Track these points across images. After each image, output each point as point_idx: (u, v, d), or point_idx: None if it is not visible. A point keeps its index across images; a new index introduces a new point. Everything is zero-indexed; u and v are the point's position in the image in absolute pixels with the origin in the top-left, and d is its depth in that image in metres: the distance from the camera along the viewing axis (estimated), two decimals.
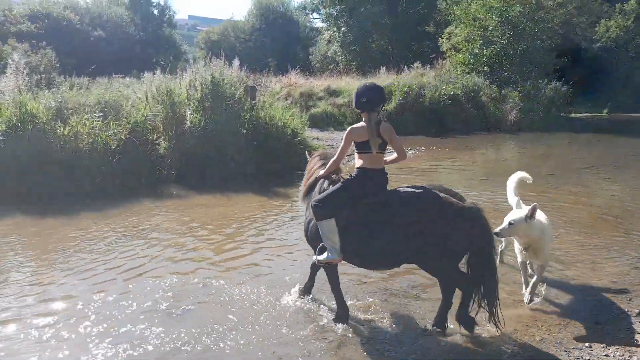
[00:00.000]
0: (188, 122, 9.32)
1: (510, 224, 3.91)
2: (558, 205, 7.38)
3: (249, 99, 10.36)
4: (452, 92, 18.38)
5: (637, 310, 4.03)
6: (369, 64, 32.68)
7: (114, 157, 8.51)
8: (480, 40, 21.06)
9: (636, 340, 3.59)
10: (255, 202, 7.84)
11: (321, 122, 18.26)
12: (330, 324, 3.84)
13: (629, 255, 5.29)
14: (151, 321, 3.91)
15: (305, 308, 4.12)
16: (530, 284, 4.16)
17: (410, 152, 12.90)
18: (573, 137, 17.75)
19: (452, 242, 3.56)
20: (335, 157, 4.18)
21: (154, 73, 10.75)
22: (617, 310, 4.06)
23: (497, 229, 3.89)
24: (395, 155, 4.13)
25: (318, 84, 21.37)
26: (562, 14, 22.59)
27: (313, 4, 42.72)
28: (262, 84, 14.94)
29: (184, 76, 10.70)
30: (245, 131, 9.49)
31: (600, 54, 28.85)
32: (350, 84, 21.58)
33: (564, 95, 21.32)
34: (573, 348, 3.48)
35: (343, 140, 4.02)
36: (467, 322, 3.67)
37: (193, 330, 3.75)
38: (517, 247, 4.28)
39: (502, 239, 4.62)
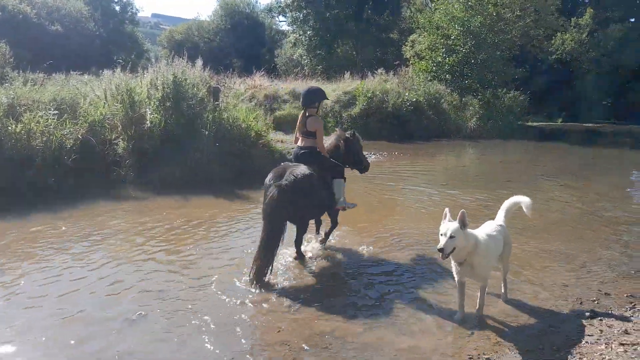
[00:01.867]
0: (148, 122, 9.08)
1: (451, 236, 3.65)
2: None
3: (212, 100, 10.21)
4: (414, 99, 18.70)
5: (588, 313, 4.16)
6: (334, 68, 32.88)
7: (69, 156, 8.22)
8: (442, 48, 21.52)
9: (587, 341, 3.70)
10: (216, 205, 7.72)
11: (286, 125, 18.18)
12: (290, 336, 3.81)
13: (580, 259, 5.47)
14: (105, 328, 3.77)
15: (262, 315, 4.06)
16: (477, 307, 4.09)
17: (372, 157, 13.04)
18: (529, 145, 18.36)
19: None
20: None
21: (114, 71, 10.45)
22: (570, 313, 4.18)
23: (440, 245, 3.66)
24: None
25: (283, 86, 21.32)
26: (520, 26, 23.38)
27: (279, 6, 42.65)
28: (226, 85, 14.77)
29: (145, 75, 10.47)
30: (207, 132, 9.32)
31: (556, 65, 30.00)
32: None
33: (522, 104, 22.06)
34: (527, 350, 3.56)
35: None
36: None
37: (147, 338, 3.64)
38: (453, 263, 3.97)
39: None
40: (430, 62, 21.90)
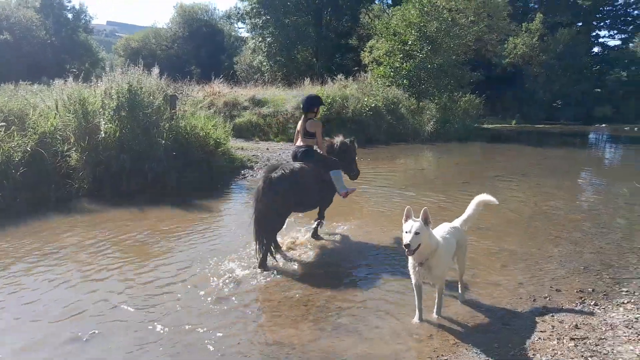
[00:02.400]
0: (102, 132, 8.82)
1: (416, 233, 3.73)
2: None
3: (169, 108, 10.04)
4: (373, 104, 18.94)
5: (541, 310, 4.30)
6: (294, 74, 32.96)
7: (17, 170, 7.89)
8: (400, 54, 21.90)
9: (540, 337, 3.82)
10: (174, 215, 7.56)
11: (246, 131, 18.10)
12: (248, 348, 3.76)
13: (533, 258, 5.66)
14: (55, 347, 3.63)
15: (221, 329, 4.00)
16: (435, 306, 4.16)
17: None
18: (485, 146, 18.90)
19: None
20: None
21: (66, 80, 10.13)
22: (524, 311, 4.31)
23: (406, 241, 3.71)
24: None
25: (243, 93, 21.17)
26: (474, 31, 24.08)
27: (238, 13, 42.46)
28: (184, 93, 14.57)
29: (99, 84, 10.19)
30: (164, 141, 9.14)
31: (509, 69, 31.07)
32: (276, 94, 21.61)
33: (477, 107, 22.74)
34: (483, 349, 3.64)
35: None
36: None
37: (100, 357, 3.53)
38: (410, 264, 4.04)
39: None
40: (388, 67, 22.25)
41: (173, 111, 10.05)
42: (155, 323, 4.01)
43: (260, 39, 36.76)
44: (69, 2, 43.27)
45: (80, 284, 4.82)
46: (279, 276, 5.09)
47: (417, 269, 3.99)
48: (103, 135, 8.80)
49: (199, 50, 45.65)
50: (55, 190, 8.28)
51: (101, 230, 6.61)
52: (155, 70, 10.64)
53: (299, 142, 6.28)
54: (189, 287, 4.76)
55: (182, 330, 3.91)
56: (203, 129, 10.30)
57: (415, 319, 4.09)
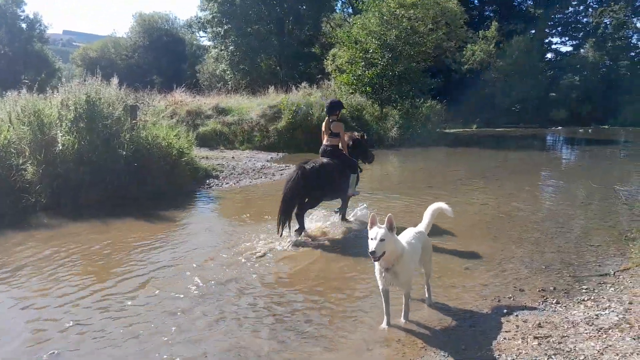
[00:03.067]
0: (60, 144, 8.54)
1: (381, 239, 3.76)
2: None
3: (129, 119, 9.82)
4: None
5: (505, 310, 4.39)
6: (258, 82, 32.85)
7: None
8: (362, 62, 22.14)
9: (505, 337, 3.89)
10: (136, 227, 7.36)
11: (211, 140, 17.93)
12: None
13: (497, 259, 5.78)
14: None
15: (185, 343, 3.91)
16: (403, 311, 4.18)
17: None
18: (448, 151, 19.29)
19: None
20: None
21: (19, 92, 9.78)
22: (489, 312, 4.39)
23: (371, 248, 3.74)
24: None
25: (206, 102, 20.99)
26: (433, 38, 24.58)
27: (199, 22, 42.08)
28: (145, 103, 14.31)
29: (55, 95, 9.88)
30: (124, 152, 8.93)
31: (468, 75, 31.90)
32: (240, 102, 21.49)
33: (439, 112, 23.24)
34: (451, 352, 3.68)
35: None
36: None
37: None
38: (377, 270, 4.05)
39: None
40: (350, 75, 22.46)
41: (134, 121, 9.85)
42: (117, 340, 3.88)
43: (222, 47, 36.53)
44: (23, 11, 41.97)
45: (38, 301, 4.62)
46: (244, 284, 5.02)
47: (383, 274, 4.00)
48: (60, 148, 8.52)
49: (160, 59, 44.96)
50: (11, 206, 7.96)
51: (60, 245, 6.37)
52: (115, 80, 10.41)
53: (326, 141, 7.36)
54: (149, 302, 4.63)
55: (142, 350, 3.79)
56: (165, 138, 10.12)
57: (384, 325, 4.09)
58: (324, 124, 7.54)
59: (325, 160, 6.97)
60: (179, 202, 9.11)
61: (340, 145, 7.32)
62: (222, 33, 35.92)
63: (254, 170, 12.63)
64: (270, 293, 4.86)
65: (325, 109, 7.71)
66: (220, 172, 12.00)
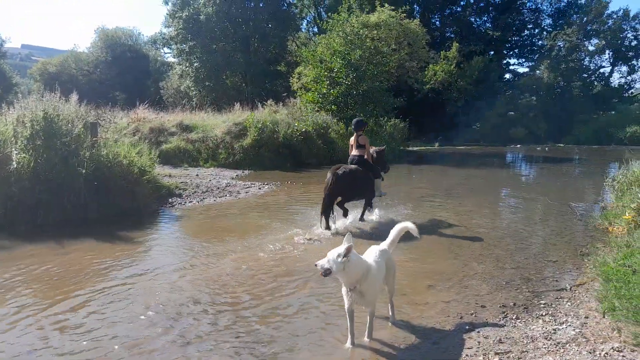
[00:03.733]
0: (14, 162, 8.24)
1: (328, 260, 3.84)
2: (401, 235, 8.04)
3: (89, 136, 9.59)
4: (304, 129, 19.16)
5: (467, 327, 4.45)
6: (223, 99, 32.74)
7: None
8: (327, 81, 22.40)
9: (467, 354, 3.95)
10: (96, 248, 7.14)
11: (174, 158, 17.67)
12: None
13: (459, 276, 5.88)
14: None
15: None
16: (367, 330, 4.18)
17: (266, 187, 13.04)
18: (411, 168, 19.61)
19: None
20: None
21: None
22: (452, 329, 4.44)
23: (320, 263, 3.87)
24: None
25: (170, 119, 20.73)
26: (396, 58, 25.20)
27: (164, 39, 41.77)
28: (107, 120, 14.02)
29: (11, 111, 9.57)
30: (84, 171, 8.67)
31: (430, 94, 32.68)
32: (205, 119, 21.33)
33: (402, 131, 23.68)
34: None
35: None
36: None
37: None
38: (343, 289, 4.08)
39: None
40: (316, 93, 22.66)
41: (94, 139, 9.61)
42: None
43: (187, 64, 36.30)
44: None
45: None
46: (204, 304, 4.93)
47: (349, 294, 4.01)
48: (15, 166, 8.22)
49: (123, 75, 44.22)
50: None
51: (14, 268, 6.10)
52: (74, 97, 10.17)
53: (354, 152, 8.92)
54: (108, 328, 4.48)
55: None
56: (126, 156, 9.90)
57: (348, 344, 4.08)
58: (352, 138, 9.08)
59: (353, 167, 8.55)
60: (140, 222, 8.90)
61: (365, 155, 8.85)
62: (187, 50, 35.75)
63: (218, 188, 12.50)
64: (232, 310, 4.78)
65: (352, 126, 9.12)
66: (183, 191, 11.81)
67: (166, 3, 36.54)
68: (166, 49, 46.38)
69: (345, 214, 8.71)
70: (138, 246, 7.33)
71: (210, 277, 5.80)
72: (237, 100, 25.49)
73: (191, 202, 10.81)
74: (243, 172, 16.55)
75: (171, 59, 44.56)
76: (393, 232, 4.72)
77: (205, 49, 34.65)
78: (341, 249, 3.86)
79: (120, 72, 44.40)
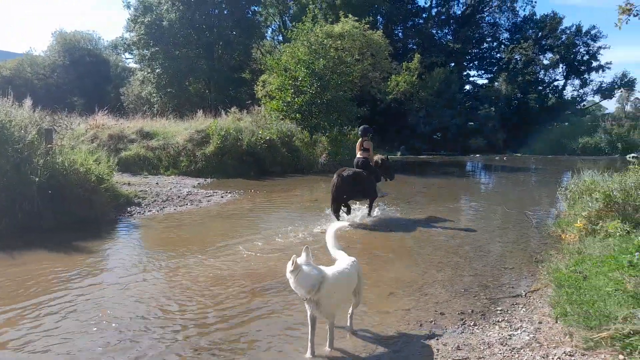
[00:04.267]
0: None
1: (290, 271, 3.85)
2: (360, 241, 8.10)
3: (44, 143, 9.26)
4: (268, 137, 19.09)
5: (427, 334, 4.52)
6: (186, 106, 32.27)
7: None
8: (291, 89, 22.41)
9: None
10: (50, 260, 6.87)
11: (134, 166, 17.23)
12: None
13: (418, 283, 5.96)
14: None
15: None
16: (328, 340, 4.17)
17: (229, 195, 12.90)
18: None
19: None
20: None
21: None
22: (412, 336, 4.49)
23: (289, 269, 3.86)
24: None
25: (130, 125, 20.24)
26: (359, 69, 25.47)
27: (125, 44, 40.88)
28: (63, 126, 13.56)
29: None
30: (37, 179, 8.36)
31: (393, 104, 33.18)
32: (167, 126, 20.95)
33: None
34: None
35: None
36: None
37: None
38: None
39: None
40: (280, 102, 22.64)
41: (49, 146, 9.29)
42: None
43: (149, 70, 35.59)
44: None
45: None
46: (155, 316, 4.81)
47: (306, 304, 3.99)
48: None
49: (82, 80, 42.89)
50: None
51: None
52: (28, 102, 9.83)
53: (359, 155, 10.14)
54: (60, 345, 4.32)
55: None
56: (83, 164, 9.61)
57: (308, 354, 4.06)
58: (358, 142, 10.41)
59: (357, 170, 9.75)
60: (97, 232, 8.64)
61: (369, 158, 10.14)
62: (149, 55, 35.05)
63: (179, 196, 12.28)
64: (190, 318, 4.69)
65: (359, 132, 10.54)
66: (143, 199, 11.55)
67: (128, 7, 35.83)
68: (127, 55, 45.40)
69: (348, 212, 9.83)
70: (94, 256, 7.11)
71: (168, 289, 5.69)
72: (200, 107, 25.16)
73: (150, 211, 10.58)
74: (205, 180, 16.33)
75: (133, 65, 43.63)
76: (329, 237, 4.67)
77: (167, 55, 34.07)
78: (300, 258, 3.85)
79: (79, 76, 43.06)
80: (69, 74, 43.50)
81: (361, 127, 10.59)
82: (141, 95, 37.73)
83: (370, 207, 10.16)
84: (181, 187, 14.22)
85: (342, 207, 9.74)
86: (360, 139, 10.35)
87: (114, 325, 4.62)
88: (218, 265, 6.64)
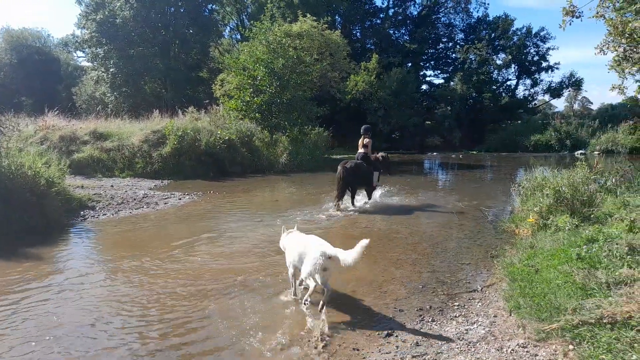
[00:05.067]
0: None
1: None
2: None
3: None
4: (227, 137, 18.87)
5: (386, 332, 4.55)
6: (142, 105, 31.48)
7: None
8: (250, 88, 22.23)
9: (386, 359, 4.03)
10: None
11: (87, 168, 16.70)
12: None
13: (379, 281, 6.01)
14: None
15: None
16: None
17: (186, 197, 12.66)
18: (334, 176, 19.83)
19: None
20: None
21: None
22: (372, 334, 4.52)
23: None
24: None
25: (83, 126, 19.57)
26: (318, 68, 25.52)
27: (76, 42, 39.48)
28: (9, 127, 12.95)
29: None
30: None
31: (352, 104, 33.44)
32: (121, 127, 20.38)
33: (326, 139, 24.02)
34: None
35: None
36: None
37: None
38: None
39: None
40: (239, 101, 22.42)
41: None
42: None
43: (103, 69, 34.49)
44: None
45: None
46: (108, 323, 4.67)
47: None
48: None
49: (30, 79, 41.17)
50: None
51: None
52: None
53: (360, 150, 11.62)
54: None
55: None
56: (32, 167, 9.21)
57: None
58: (360, 140, 11.83)
59: (358, 162, 11.18)
60: (48, 237, 8.29)
61: (368, 153, 11.61)
62: (102, 54, 33.96)
63: (134, 199, 11.95)
64: (144, 329, 4.57)
65: (361, 131, 11.89)
66: (97, 203, 11.18)
67: (79, 4, 34.60)
68: (79, 53, 43.87)
69: (352, 199, 11.35)
70: (42, 263, 6.82)
71: (121, 295, 5.52)
72: (156, 107, 24.60)
73: (105, 214, 10.25)
74: (162, 182, 15.98)
75: (85, 64, 42.14)
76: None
77: (122, 53, 33.10)
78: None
79: (27, 75, 41.31)
80: (16, 73, 41.72)
81: (363, 126, 11.96)
82: (95, 95, 36.60)
83: (370, 194, 11.73)
84: (137, 189, 13.86)
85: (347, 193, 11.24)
86: (362, 137, 11.80)
87: (59, 333, 4.44)
88: (174, 268, 6.49)
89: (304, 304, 5.11)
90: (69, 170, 12.97)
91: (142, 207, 11.16)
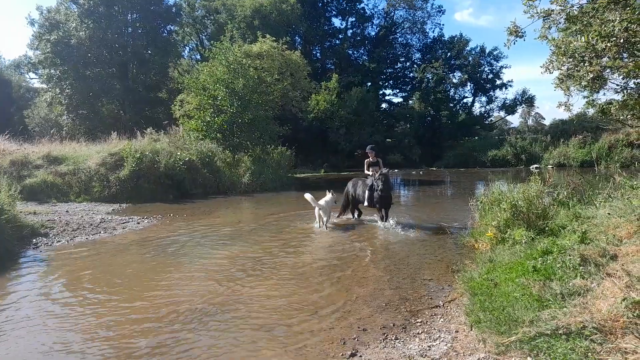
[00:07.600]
0: None
1: None
2: (280, 259, 8.04)
3: None
4: (187, 158, 18.62)
5: (350, 352, 4.52)
6: (99, 127, 30.75)
7: None
8: (210, 109, 22.10)
9: None
10: None
11: (41, 193, 16.09)
12: None
13: (342, 300, 5.99)
14: None
15: None
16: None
17: (145, 221, 12.35)
18: (297, 195, 19.78)
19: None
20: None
21: None
22: (336, 355, 4.48)
23: None
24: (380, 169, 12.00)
25: (35, 150, 18.91)
26: (280, 88, 25.69)
27: (29, 63, 38.34)
28: None
29: None
30: None
31: (314, 123, 33.72)
32: (77, 150, 19.83)
33: (289, 158, 24.04)
34: None
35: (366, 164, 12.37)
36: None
37: None
38: None
39: None
40: (199, 121, 22.23)
41: None
42: None
43: (58, 90, 33.52)
44: None
45: None
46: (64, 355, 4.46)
47: None
48: None
49: None
50: None
51: None
52: None
53: (383, 170, 11.67)
54: None
55: None
56: None
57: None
58: (366, 161, 12.38)
59: (368, 180, 11.85)
60: (2, 269, 7.89)
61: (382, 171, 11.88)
62: (57, 75, 33.03)
63: (91, 224, 11.57)
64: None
65: (367, 149, 12.42)
66: (50, 229, 10.76)
67: (32, 24, 33.71)
68: (32, 74, 42.56)
69: (359, 215, 12.57)
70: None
71: (76, 328, 5.29)
72: (114, 129, 24.10)
73: (59, 241, 9.86)
74: (120, 206, 15.55)
75: (38, 85, 40.89)
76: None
77: (78, 74, 32.26)
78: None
79: None
80: None
81: (368, 146, 12.51)
82: (49, 118, 35.50)
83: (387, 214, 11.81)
84: (94, 214, 13.44)
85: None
86: (369, 158, 12.27)
87: None
88: (131, 297, 6.28)
89: None
90: (20, 196, 12.47)
91: (100, 232, 10.81)
